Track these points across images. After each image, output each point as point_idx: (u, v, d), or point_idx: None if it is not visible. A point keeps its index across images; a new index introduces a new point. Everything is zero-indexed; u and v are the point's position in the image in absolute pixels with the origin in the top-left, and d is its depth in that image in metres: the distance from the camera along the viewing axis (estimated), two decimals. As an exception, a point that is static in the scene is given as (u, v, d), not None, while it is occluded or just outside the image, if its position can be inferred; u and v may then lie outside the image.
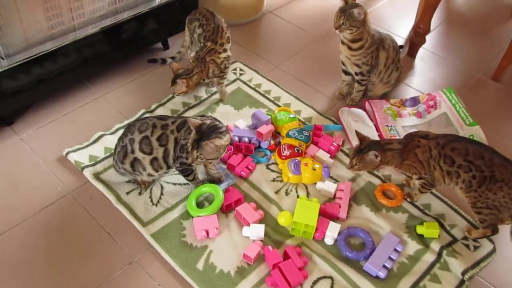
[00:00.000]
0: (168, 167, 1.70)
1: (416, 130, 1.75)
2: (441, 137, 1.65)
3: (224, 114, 2.09)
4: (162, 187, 1.79)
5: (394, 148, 1.67)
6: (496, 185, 1.57)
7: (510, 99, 2.38)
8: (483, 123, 2.07)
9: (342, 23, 1.93)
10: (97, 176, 1.80)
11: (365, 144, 1.68)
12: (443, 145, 1.62)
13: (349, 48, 2.04)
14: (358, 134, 1.70)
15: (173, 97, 2.16)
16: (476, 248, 1.70)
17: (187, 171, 1.70)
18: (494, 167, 1.57)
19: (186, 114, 2.08)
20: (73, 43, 1.97)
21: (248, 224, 1.65)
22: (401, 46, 2.59)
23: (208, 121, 1.61)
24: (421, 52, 2.60)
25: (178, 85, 2.02)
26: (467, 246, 1.70)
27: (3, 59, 1.80)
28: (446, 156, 1.62)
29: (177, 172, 1.73)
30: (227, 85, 2.24)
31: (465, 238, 1.72)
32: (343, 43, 2.05)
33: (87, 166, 1.82)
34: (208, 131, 1.57)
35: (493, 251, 1.69)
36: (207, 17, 2.13)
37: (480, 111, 2.19)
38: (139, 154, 1.66)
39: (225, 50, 2.10)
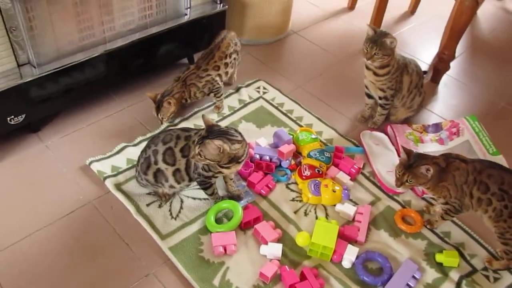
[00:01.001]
0: (190, 180, 1.71)
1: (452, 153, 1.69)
2: (478, 162, 1.62)
3: (246, 132, 2.09)
4: (182, 201, 1.80)
5: (439, 164, 1.60)
6: None
7: (534, 130, 2.35)
8: (506, 153, 2.05)
9: (374, 53, 1.93)
10: (118, 186, 1.82)
11: (413, 159, 1.61)
12: (479, 170, 1.58)
13: (375, 73, 2.04)
14: (404, 148, 1.64)
15: (196, 112, 2.17)
16: (496, 279, 1.67)
17: (205, 184, 1.71)
18: None
19: (209, 130, 2.10)
20: (102, 55, 2.01)
21: (266, 243, 1.65)
22: (425, 72, 2.59)
23: (224, 127, 1.61)
24: (445, 79, 2.60)
25: (165, 108, 2.01)
26: (487, 277, 1.67)
27: (34, 67, 1.85)
28: (481, 183, 1.58)
29: (197, 186, 1.75)
30: (249, 102, 2.27)
31: (485, 268, 1.69)
32: (368, 68, 2.05)
33: (109, 176, 1.85)
34: (218, 132, 1.56)
35: (513, 283, 1.66)
36: (216, 39, 2.17)
37: (503, 140, 2.17)
38: (162, 165, 1.67)
39: (208, 75, 2.11)
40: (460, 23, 2.37)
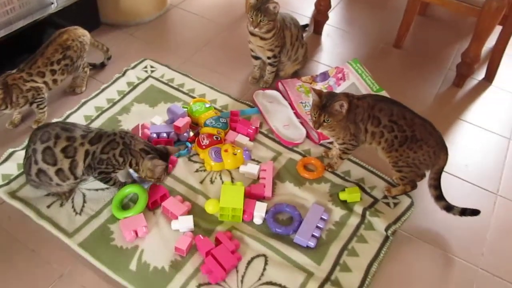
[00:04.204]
0: (76, 178, 1.64)
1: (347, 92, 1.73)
2: (369, 97, 1.69)
3: (140, 113, 2.05)
4: (84, 195, 1.74)
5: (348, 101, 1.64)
6: (416, 144, 1.65)
7: (411, 63, 2.53)
8: (389, 88, 2.19)
9: (260, 21, 1.94)
10: (13, 194, 1.72)
11: (325, 98, 1.63)
12: (372, 106, 1.66)
13: (262, 38, 2.06)
14: (315, 90, 1.64)
15: (85, 103, 2.09)
16: (396, 204, 1.80)
17: (106, 179, 1.68)
18: (415, 127, 1.64)
19: (100, 119, 2.02)
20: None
21: (176, 218, 1.65)
22: (307, 25, 2.67)
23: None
24: (327, 29, 2.70)
25: None
26: (388, 204, 1.80)
27: None
28: (374, 117, 1.66)
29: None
30: (139, 84, 2.21)
31: (385, 197, 1.82)
32: (253, 34, 2.07)
33: (0, 186, 1.74)
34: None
35: (411, 205, 1.80)
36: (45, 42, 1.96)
37: (386, 77, 2.31)
38: (43, 165, 1.59)
39: (33, 81, 1.89)
40: (329, -28, 2.45)
